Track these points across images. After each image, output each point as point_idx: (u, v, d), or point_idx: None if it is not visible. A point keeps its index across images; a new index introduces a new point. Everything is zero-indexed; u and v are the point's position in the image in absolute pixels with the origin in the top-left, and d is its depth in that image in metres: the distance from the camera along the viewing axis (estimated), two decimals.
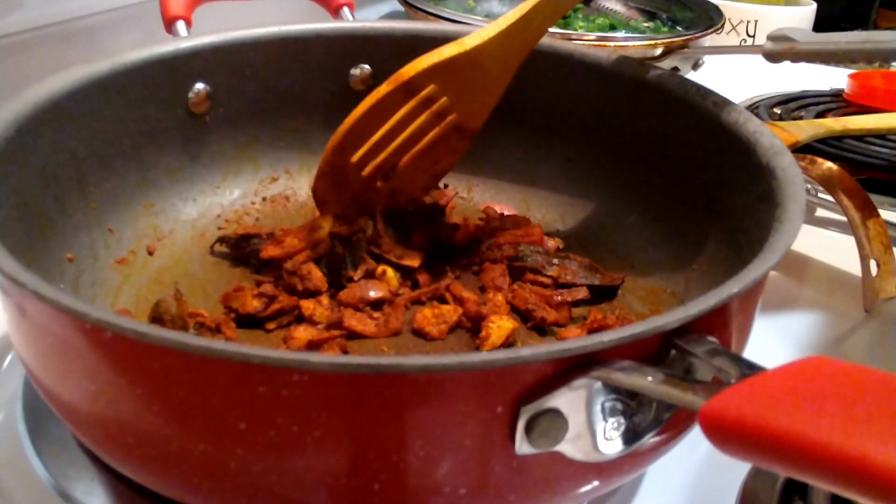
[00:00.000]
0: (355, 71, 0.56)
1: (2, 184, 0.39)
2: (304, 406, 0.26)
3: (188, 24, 0.56)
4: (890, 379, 0.23)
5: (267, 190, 0.57)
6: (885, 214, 0.57)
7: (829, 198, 0.58)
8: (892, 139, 0.73)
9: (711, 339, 0.29)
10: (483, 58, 0.46)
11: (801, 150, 0.67)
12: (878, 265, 0.54)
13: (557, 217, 0.56)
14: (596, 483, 0.31)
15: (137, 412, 0.29)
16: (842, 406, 0.22)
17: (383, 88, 0.47)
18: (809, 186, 0.65)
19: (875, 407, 0.22)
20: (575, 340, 0.27)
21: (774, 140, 0.41)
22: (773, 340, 0.51)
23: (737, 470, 0.39)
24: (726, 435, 0.25)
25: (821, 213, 0.66)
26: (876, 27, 1.93)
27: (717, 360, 0.27)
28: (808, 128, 0.70)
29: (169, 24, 0.56)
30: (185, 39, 0.52)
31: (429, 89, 0.47)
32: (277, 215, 0.56)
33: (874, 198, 0.56)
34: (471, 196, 0.59)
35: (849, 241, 0.55)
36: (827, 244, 0.63)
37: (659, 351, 0.29)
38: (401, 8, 0.95)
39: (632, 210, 0.52)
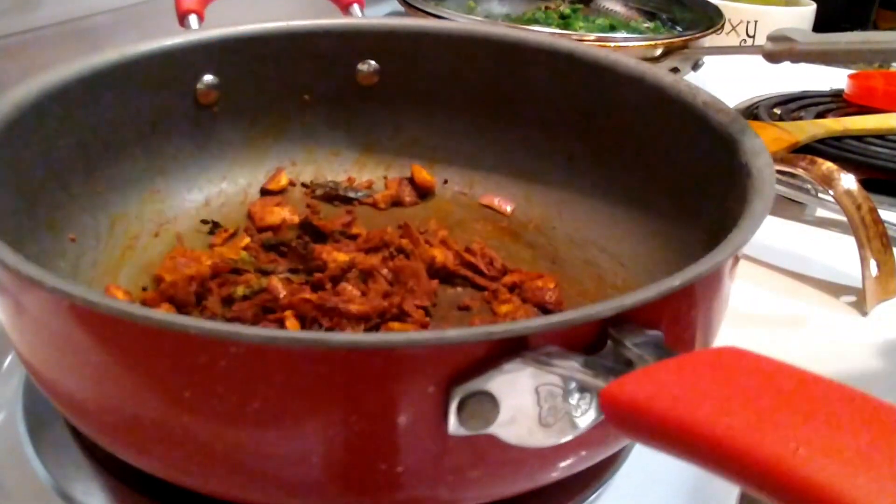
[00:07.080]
0: (362, 66, 0.57)
1: (3, 164, 0.40)
2: (241, 377, 0.27)
3: (200, 18, 0.57)
4: (801, 374, 0.23)
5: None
6: (885, 214, 0.57)
7: (829, 198, 0.58)
8: (892, 139, 0.73)
9: (653, 331, 0.28)
10: None
11: (801, 150, 0.68)
12: (878, 265, 0.54)
13: (555, 213, 0.56)
14: (541, 471, 0.31)
15: (96, 379, 0.30)
16: (736, 394, 0.22)
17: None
18: (809, 186, 0.66)
19: (774, 399, 0.22)
20: (504, 324, 0.27)
21: (756, 140, 0.41)
22: (773, 340, 0.52)
23: None
24: (621, 417, 0.24)
25: (821, 213, 0.66)
26: (876, 27, 1.93)
27: (643, 349, 0.27)
28: (808, 128, 0.71)
29: (182, 18, 0.57)
30: (195, 32, 0.53)
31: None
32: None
33: (874, 198, 0.57)
34: (472, 192, 0.59)
35: (849, 241, 0.55)
36: (827, 244, 0.63)
37: (595, 341, 0.28)
38: (401, 8, 0.95)
39: (627, 208, 0.52)
